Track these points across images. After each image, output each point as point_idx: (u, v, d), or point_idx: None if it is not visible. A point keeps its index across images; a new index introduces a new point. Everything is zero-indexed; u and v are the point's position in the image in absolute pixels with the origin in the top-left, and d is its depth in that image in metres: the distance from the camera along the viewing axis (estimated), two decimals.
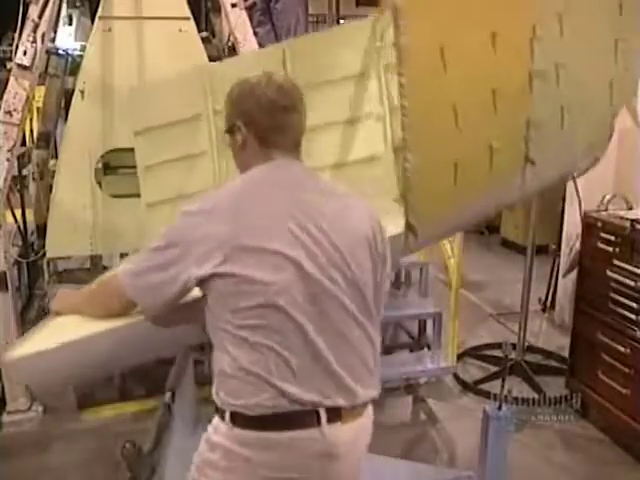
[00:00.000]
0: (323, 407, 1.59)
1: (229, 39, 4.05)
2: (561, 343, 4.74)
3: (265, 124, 1.67)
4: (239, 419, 1.59)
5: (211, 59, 3.88)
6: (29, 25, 3.40)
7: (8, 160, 3.45)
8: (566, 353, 4.22)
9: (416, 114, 1.97)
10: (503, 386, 2.95)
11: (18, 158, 4.20)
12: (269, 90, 1.66)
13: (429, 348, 4.50)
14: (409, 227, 2.08)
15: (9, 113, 3.39)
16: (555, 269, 5.42)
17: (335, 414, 1.61)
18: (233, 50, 4.05)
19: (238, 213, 1.58)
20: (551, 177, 2.67)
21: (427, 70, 1.97)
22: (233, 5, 3.73)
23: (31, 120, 5.62)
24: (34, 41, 3.40)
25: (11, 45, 6.50)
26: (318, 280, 1.58)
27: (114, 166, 4.00)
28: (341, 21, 11.61)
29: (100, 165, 3.90)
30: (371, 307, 1.70)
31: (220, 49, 4.16)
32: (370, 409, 1.74)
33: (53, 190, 3.80)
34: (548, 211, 5.23)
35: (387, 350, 4.76)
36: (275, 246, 1.55)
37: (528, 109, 2.23)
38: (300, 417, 1.58)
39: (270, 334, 1.55)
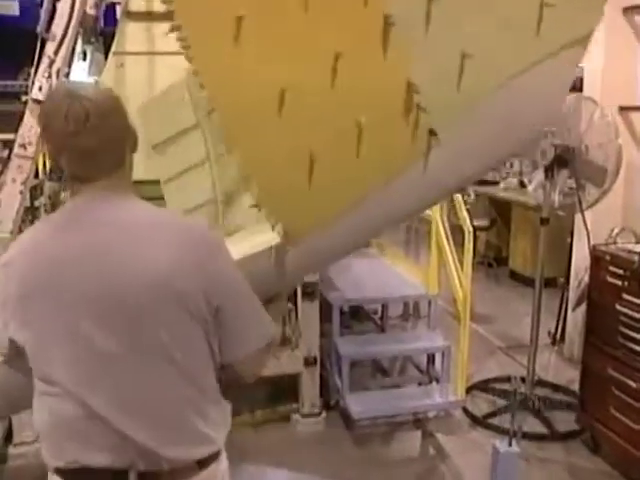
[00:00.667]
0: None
1: None
2: (571, 377, 4.71)
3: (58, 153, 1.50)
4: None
5: None
6: (45, 61, 3.47)
7: (21, 193, 3.49)
8: (576, 387, 4.19)
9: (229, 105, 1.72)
10: (513, 421, 2.94)
11: (31, 190, 4.25)
12: (58, 115, 1.45)
13: (438, 382, 4.47)
14: (281, 235, 1.85)
15: (23, 146, 3.44)
16: (564, 302, 5.40)
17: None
18: None
19: (24, 269, 1.49)
20: (487, 158, 2.06)
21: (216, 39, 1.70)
22: None
23: (44, 153, 5.69)
24: (49, 76, 3.46)
25: (26, 79, 6.66)
26: (96, 339, 1.44)
27: None
28: None
29: None
30: (176, 355, 1.48)
31: None
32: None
33: None
34: (556, 244, 5.24)
35: (396, 384, 4.75)
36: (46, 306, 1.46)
37: (401, 68, 1.76)
38: None
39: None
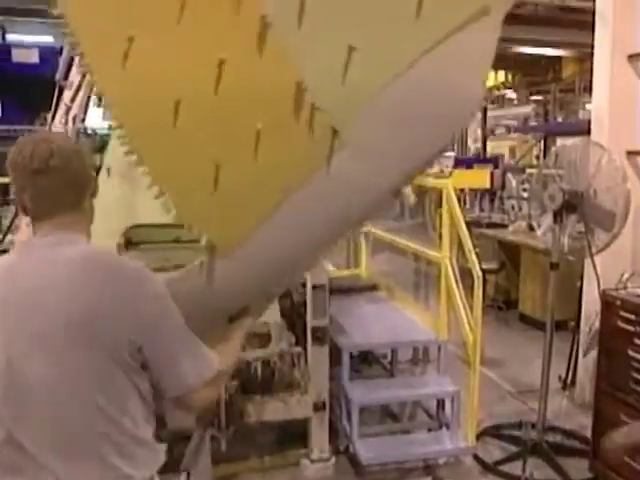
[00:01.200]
0: None
1: None
2: (583, 422, 4.65)
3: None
4: None
5: None
6: (62, 108, 3.56)
7: None
8: (588, 433, 4.14)
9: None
10: (524, 468, 2.91)
11: None
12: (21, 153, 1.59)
13: (448, 427, 4.43)
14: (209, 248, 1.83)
15: None
16: (575, 346, 5.37)
17: None
18: None
19: None
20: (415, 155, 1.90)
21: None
22: None
23: None
24: (66, 123, 3.55)
25: (42, 124, 6.80)
26: (25, 373, 1.55)
27: (136, 242, 4.09)
28: None
29: (122, 241, 3.99)
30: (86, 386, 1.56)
31: None
32: None
33: None
34: (566, 287, 5.22)
35: (405, 429, 4.70)
36: None
37: (287, 69, 1.71)
38: None
39: None
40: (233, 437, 3.71)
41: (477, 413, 4.26)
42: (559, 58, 12.43)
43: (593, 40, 4.93)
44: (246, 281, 1.97)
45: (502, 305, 7.90)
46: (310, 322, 3.70)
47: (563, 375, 5.48)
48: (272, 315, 3.82)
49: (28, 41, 11.62)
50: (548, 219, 4.37)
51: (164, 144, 1.75)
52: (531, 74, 14.49)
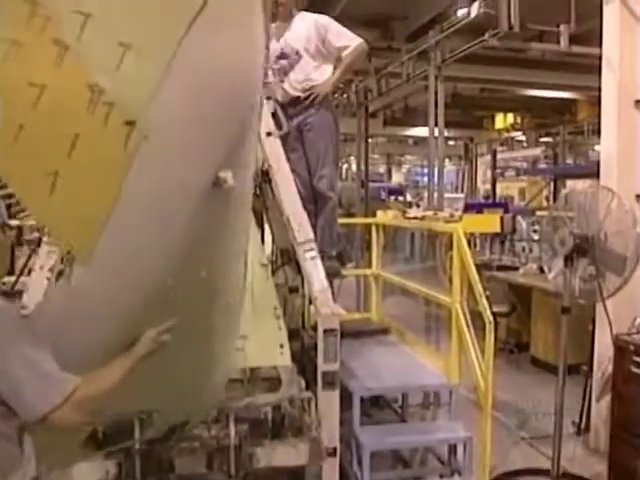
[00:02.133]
0: None
1: (263, 164, 4.24)
2: (598, 469, 4.57)
3: None
4: None
5: None
6: None
7: (48, 279, 3.55)
8: None
9: None
10: None
11: None
12: None
13: (460, 474, 4.36)
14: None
15: None
16: (588, 391, 5.30)
17: None
18: (266, 175, 4.24)
19: None
20: None
21: None
22: (268, 134, 3.94)
23: None
24: None
25: None
26: None
27: None
28: (369, 140, 12.15)
29: None
30: None
31: (255, 173, 4.34)
32: None
33: None
34: (578, 330, 5.18)
35: (417, 476, 4.63)
36: None
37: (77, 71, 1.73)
38: None
39: None
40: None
41: (489, 459, 4.20)
42: (574, 101, 12.54)
43: (600, 84, 5.00)
44: (109, 291, 1.98)
45: (513, 348, 7.83)
46: (321, 367, 3.67)
47: (577, 420, 5.41)
48: (283, 359, 3.80)
49: None
50: (559, 263, 4.36)
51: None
52: (540, 116, 14.63)
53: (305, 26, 4.53)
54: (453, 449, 4.52)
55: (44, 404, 1.77)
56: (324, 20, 4.57)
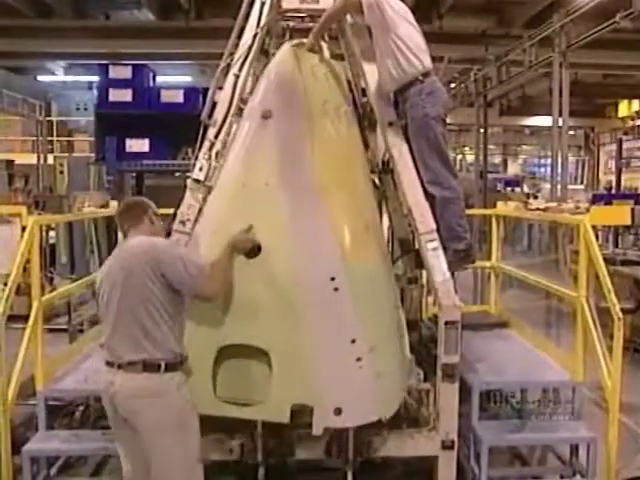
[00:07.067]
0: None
1: (384, 155, 4.24)
2: None
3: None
4: None
5: None
6: (206, 144, 3.76)
7: None
8: None
9: None
10: None
11: None
12: None
13: (582, 475, 4.21)
14: None
15: (182, 223, 3.70)
16: None
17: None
18: (387, 165, 4.24)
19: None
20: None
21: None
22: (390, 124, 3.94)
23: None
24: (209, 158, 3.75)
25: (184, 159, 7.24)
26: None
27: None
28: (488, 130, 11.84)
29: None
30: None
31: (374, 164, 4.34)
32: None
33: None
34: None
35: (536, 474, 4.51)
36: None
37: None
38: None
39: None
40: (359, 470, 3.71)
41: (615, 464, 4.02)
42: None
43: None
44: None
45: (639, 347, 7.46)
46: (441, 359, 3.64)
47: None
48: (402, 349, 3.81)
49: (170, 81, 12.71)
50: None
51: None
52: None
53: None
54: (575, 449, 4.37)
55: (197, 280, 3.16)
56: None
